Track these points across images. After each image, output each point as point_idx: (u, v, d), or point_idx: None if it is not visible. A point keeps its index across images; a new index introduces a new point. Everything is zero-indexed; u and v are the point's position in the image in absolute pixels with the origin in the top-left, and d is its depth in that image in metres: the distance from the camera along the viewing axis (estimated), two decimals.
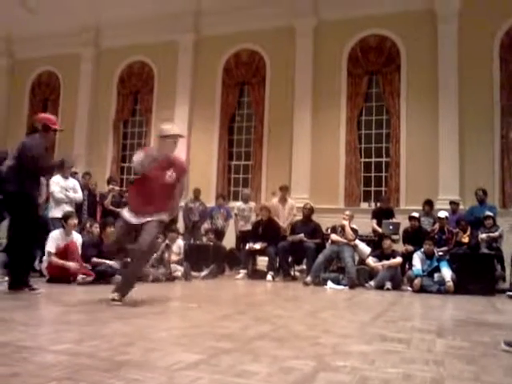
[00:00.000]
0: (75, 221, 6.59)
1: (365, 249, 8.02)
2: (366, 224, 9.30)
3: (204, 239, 9.28)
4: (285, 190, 9.56)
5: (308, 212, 8.72)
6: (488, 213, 8.39)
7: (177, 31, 12.75)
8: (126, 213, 4.55)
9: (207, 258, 8.49)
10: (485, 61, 10.35)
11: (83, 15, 12.98)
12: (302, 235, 8.31)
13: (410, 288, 7.11)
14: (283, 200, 9.46)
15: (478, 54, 10.37)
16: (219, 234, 9.58)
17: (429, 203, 9.31)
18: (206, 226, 10.17)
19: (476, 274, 7.09)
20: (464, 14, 10.49)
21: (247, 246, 8.51)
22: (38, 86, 14.83)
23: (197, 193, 10.36)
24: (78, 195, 7.72)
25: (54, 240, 6.29)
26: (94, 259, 6.47)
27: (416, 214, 8.79)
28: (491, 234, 8.08)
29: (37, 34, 13.96)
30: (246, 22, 12.09)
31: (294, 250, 8.39)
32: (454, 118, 10.31)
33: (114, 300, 4.33)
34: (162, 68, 13.17)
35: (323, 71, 11.53)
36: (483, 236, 8.08)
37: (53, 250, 6.16)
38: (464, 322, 4.31)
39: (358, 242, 8.01)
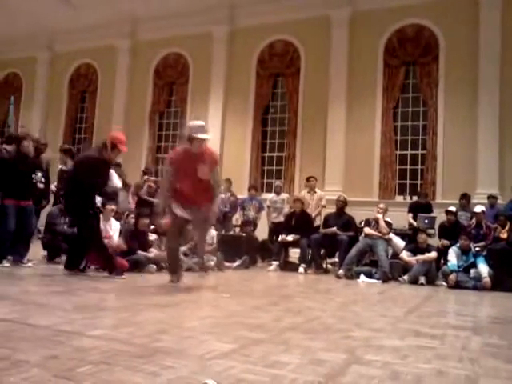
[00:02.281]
0: (113, 206, 6.74)
1: (399, 242, 7.90)
2: (400, 217, 9.17)
3: (237, 230, 9.32)
4: (312, 180, 9.52)
5: (341, 204, 8.64)
6: None
7: (212, 23, 12.79)
8: (177, 209, 4.74)
9: (240, 248, 8.53)
10: None
11: (121, 8, 13.16)
12: (334, 228, 8.26)
13: (444, 283, 6.97)
14: (312, 191, 9.43)
15: None
16: (251, 225, 9.61)
17: (466, 197, 9.09)
18: (237, 217, 10.23)
19: None
20: (508, 0, 10.14)
21: (279, 238, 8.51)
22: (76, 79, 15.17)
23: (228, 184, 10.41)
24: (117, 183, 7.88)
25: None
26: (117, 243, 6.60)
27: (453, 208, 8.59)
28: None
29: (75, 28, 14.26)
30: (280, 13, 12.03)
31: (327, 243, 8.34)
32: (494, 109, 10.01)
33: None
34: (196, 59, 13.26)
35: (359, 62, 11.37)
36: None
37: None
38: (501, 319, 4.20)
39: (392, 235, 7.90)
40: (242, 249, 8.55)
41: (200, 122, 5.05)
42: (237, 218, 10.37)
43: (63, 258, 6.69)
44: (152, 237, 7.29)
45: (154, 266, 6.64)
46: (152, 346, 2.35)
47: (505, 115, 9.94)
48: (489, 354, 2.68)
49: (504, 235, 7.93)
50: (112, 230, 6.60)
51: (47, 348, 2.18)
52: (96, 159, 5.45)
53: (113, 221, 6.70)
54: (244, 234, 9.04)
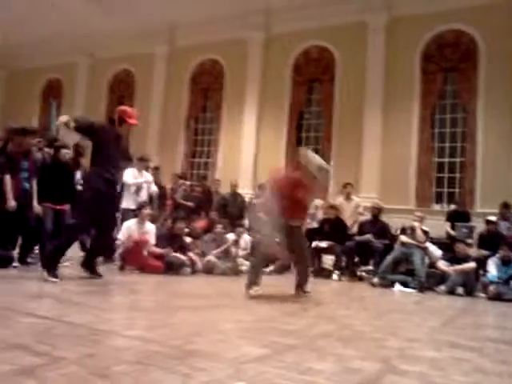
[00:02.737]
0: (149, 211, 6.85)
1: (436, 252, 7.73)
2: (437, 226, 8.96)
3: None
4: (349, 187, 9.41)
5: (376, 212, 8.53)
6: None
7: (247, 29, 12.87)
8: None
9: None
10: None
11: (159, 15, 13.40)
12: (369, 235, 8.15)
13: (483, 295, 6.78)
14: (348, 198, 9.34)
15: None
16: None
17: (506, 206, 8.82)
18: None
19: None
20: None
21: (313, 244, 8.46)
22: (115, 84, 15.53)
23: (261, 189, 10.41)
24: (154, 189, 8.03)
25: (127, 229, 6.57)
26: (167, 250, 6.68)
27: (493, 218, 8.35)
28: None
29: (115, 34, 14.60)
30: (316, 19, 12.00)
31: (361, 250, 8.25)
32: None
33: (306, 292, 5.10)
34: (232, 65, 13.36)
35: (395, 68, 11.22)
36: None
37: (125, 240, 6.44)
38: None
39: (428, 244, 7.74)
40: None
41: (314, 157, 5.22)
42: None
43: (101, 259, 6.85)
44: (187, 239, 7.37)
45: (189, 269, 6.71)
46: (186, 348, 2.37)
47: None
48: None
49: None
50: (148, 233, 6.70)
51: (84, 346, 2.23)
52: (105, 125, 5.30)
53: (148, 224, 6.80)
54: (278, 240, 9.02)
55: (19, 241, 6.05)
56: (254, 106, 12.78)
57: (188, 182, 9.94)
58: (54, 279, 4.58)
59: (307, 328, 3.25)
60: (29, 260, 6.02)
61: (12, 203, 5.68)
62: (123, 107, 5.56)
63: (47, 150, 6.68)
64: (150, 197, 8.29)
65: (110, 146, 5.04)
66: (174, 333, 2.73)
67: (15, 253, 5.90)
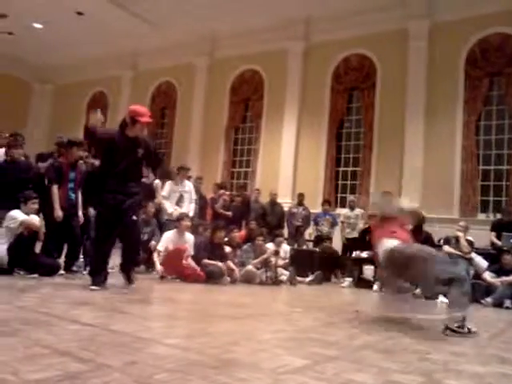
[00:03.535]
0: (188, 223, 6.93)
1: (481, 262, 7.48)
2: (483, 236, 8.68)
3: (309, 244, 9.26)
4: (388, 195, 9.25)
5: (418, 221, 8.34)
6: None
7: (287, 39, 12.93)
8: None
9: (313, 263, 8.47)
10: None
11: (200, 26, 13.64)
12: (410, 246, 7.98)
13: None
14: (386, 206, 9.16)
15: None
16: (324, 240, 9.50)
17: None
18: (310, 231, 10.17)
19: None
20: None
21: (354, 254, 8.36)
22: (157, 95, 15.87)
23: (300, 198, 10.42)
24: (194, 197, 8.14)
25: (166, 240, 6.68)
26: (206, 260, 6.74)
27: None
28: None
29: (157, 47, 14.97)
30: (356, 27, 11.94)
31: (404, 260, 8.07)
32: None
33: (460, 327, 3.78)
34: (271, 75, 13.43)
35: (438, 74, 11.00)
36: None
37: (161, 249, 6.55)
38: None
39: (473, 255, 7.51)
40: (315, 264, 8.48)
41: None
42: (310, 233, 10.30)
43: (142, 267, 7.00)
44: (226, 249, 7.42)
45: (228, 278, 6.75)
46: (225, 358, 2.38)
47: None
48: None
49: None
50: (187, 242, 6.78)
51: (127, 354, 2.28)
52: (112, 135, 5.04)
53: (187, 234, 6.89)
54: (317, 250, 8.98)
55: (65, 249, 6.25)
56: (294, 115, 12.79)
57: (228, 192, 10.02)
58: (94, 287, 4.70)
59: (348, 339, 3.21)
60: (74, 268, 6.20)
61: (59, 213, 5.88)
62: (133, 106, 5.31)
63: (92, 161, 6.88)
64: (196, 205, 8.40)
65: (120, 157, 4.89)
66: (213, 342, 2.74)
67: (61, 261, 6.10)
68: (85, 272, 6.08)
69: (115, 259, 6.04)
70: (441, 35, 11.09)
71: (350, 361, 2.57)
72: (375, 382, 2.17)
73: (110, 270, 6.18)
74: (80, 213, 6.24)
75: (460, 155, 10.63)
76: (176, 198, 7.88)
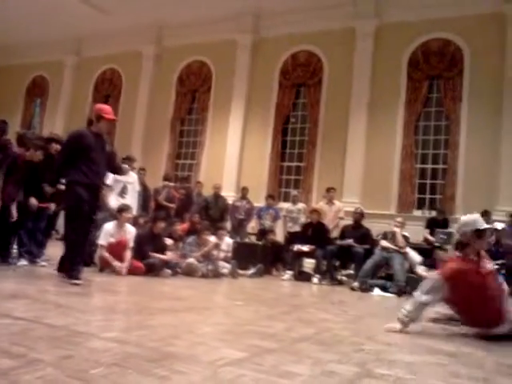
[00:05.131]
0: (129, 215, 6.78)
1: (415, 257, 7.81)
2: (418, 232, 9.08)
3: (251, 238, 9.33)
4: (332, 192, 9.51)
5: (358, 217, 8.61)
6: None
7: (236, 31, 12.91)
8: None
9: (254, 256, 8.54)
10: None
11: (148, 14, 13.35)
12: (351, 240, 8.22)
13: None
14: (330, 202, 9.43)
15: None
16: (273, 234, 9.58)
17: (486, 214, 8.95)
18: (252, 225, 10.26)
19: None
20: None
21: (295, 248, 8.50)
22: (101, 83, 15.42)
23: (244, 191, 10.49)
24: (138, 189, 7.97)
25: (106, 233, 6.47)
26: (150, 253, 6.64)
27: None
28: None
29: (103, 33, 14.52)
30: (305, 24, 12.08)
31: (342, 254, 8.31)
32: None
33: None
34: (219, 68, 13.37)
35: (382, 74, 11.33)
36: None
37: (104, 244, 6.37)
38: None
39: (408, 249, 7.82)
40: (257, 257, 8.55)
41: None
42: (252, 227, 10.39)
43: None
44: (168, 241, 7.34)
45: (169, 271, 6.69)
46: (164, 351, 2.37)
47: None
48: (504, 374, 2.64)
49: None
50: (128, 234, 6.63)
51: (62, 348, 2.22)
52: (81, 131, 5.26)
53: (128, 226, 6.73)
54: (260, 243, 9.06)
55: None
56: (241, 108, 12.80)
57: (172, 184, 9.90)
58: (77, 281, 4.68)
59: (286, 331, 3.27)
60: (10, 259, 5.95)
61: None
62: (99, 105, 5.65)
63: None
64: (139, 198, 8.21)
65: (91, 150, 5.05)
66: (152, 335, 2.72)
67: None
68: (21, 263, 5.86)
69: (52, 250, 5.85)
70: (386, 36, 11.42)
71: (288, 352, 2.62)
72: (312, 373, 2.22)
73: (43, 263, 6.01)
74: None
75: (399, 154, 11.03)
76: (120, 188, 7.69)
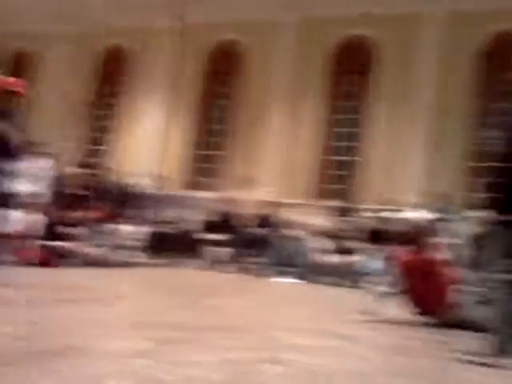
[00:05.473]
0: (38, 202, 6.48)
1: (324, 244, 8.10)
2: (328, 220, 9.40)
3: (166, 227, 9.23)
4: (246, 180, 9.61)
5: (271, 205, 8.77)
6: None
7: (165, 17, 12.55)
8: None
9: (168, 245, 8.45)
10: (463, 67, 10.55)
11: None
12: (261, 229, 8.36)
13: (368, 285, 7.20)
14: (244, 191, 9.52)
15: (455, 59, 10.56)
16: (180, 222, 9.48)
17: (390, 203, 9.45)
18: (168, 213, 10.14)
19: None
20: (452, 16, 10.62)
21: (208, 236, 8.50)
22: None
23: (160, 180, 10.25)
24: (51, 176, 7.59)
25: (13, 220, 6.11)
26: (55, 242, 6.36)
27: (378, 214, 8.94)
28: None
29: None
30: (230, 12, 11.97)
31: (253, 243, 8.45)
32: (422, 124, 10.50)
33: None
34: (141, 52, 12.91)
35: (304, 67, 11.54)
36: None
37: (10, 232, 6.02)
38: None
39: (316, 237, 8.07)
40: (172, 245, 8.48)
41: None
42: (168, 216, 10.24)
43: None
44: (78, 230, 7.08)
45: (78, 260, 6.45)
46: (65, 344, 2.27)
47: (432, 131, 10.45)
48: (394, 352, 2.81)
49: None
50: (35, 223, 6.31)
51: None
52: None
53: (36, 214, 6.40)
54: (174, 232, 9.01)
55: None
56: (160, 95, 12.51)
57: (85, 171, 9.48)
58: None
59: (194, 320, 3.26)
60: None
61: None
62: (3, 77, 5.10)
63: None
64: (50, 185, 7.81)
65: None
66: (54, 328, 2.61)
67: None
68: None
69: None
70: (309, 30, 11.61)
71: (194, 342, 2.61)
72: (214, 361, 2.23)
73: None
74: None
75: (317, 145, 11.33)
76: (31, 174, 7.26)
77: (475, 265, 7.71)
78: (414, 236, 4.29)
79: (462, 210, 9.70)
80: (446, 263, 4.33)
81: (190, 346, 2.50)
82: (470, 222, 9.11)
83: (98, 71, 13.37)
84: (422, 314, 4.10)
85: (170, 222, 9.88)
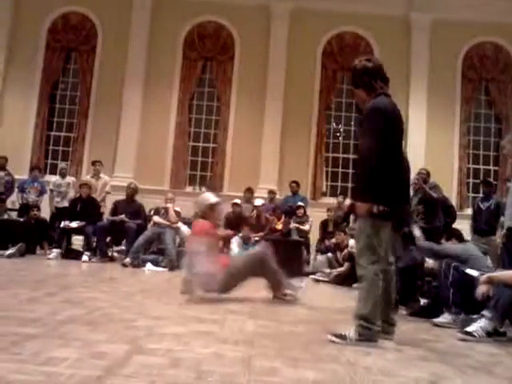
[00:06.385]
0: None
1: (186, 232, 8.11)
2: (190, 207, 9.41)
3: (12, 214, 8.40)
4: (98, 165, 9.22)
5: (131, 192, 8.48)
6: (300, 203, 9.19)
7: None
8: None
9: (14, 235, 7.70)
10: (309, 64, 11.25)
11: None
12: (123, 215, 8.07)
13: None
14: (96, 176, 9.13)
15: (304, 57, 11.21)
16: (30, 209, 8.72)
17: (249, 191, 9.81)
18: (13, 199, 9.24)
19: (287, 259, 7.70)
20: (296, 15, 11.24)
21: (62, 224, 7.96)
22: None
23: (2, 162, 9.27)
24: None
25: None
26: None
27: (238, 201, 9.20)
28: (301, 227, 8.82)
29: None
30: None
31: (114, 230, 8.12)
32: (278, 114, 11.02)
33: None
34: None
35: (159, 50, 11.30)
36: (294, 225, 8.80)
37: None
38: (273, 303, 4.61)
39: (180, 224, 8.07)
40: (18, 235, 7.73)
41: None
42: (13, 201, 9.33)
43: None
44: None
45: None
46: None
47: (287, 118, 11.02)
48: (262, 336, 2.93)
49: (279, 227, 8.81)
50: None
51: None
52: None
53: None
54: (21, 220, 8.21)
55: None
56: None
57: None
58: None
59: (51, 314, 3.03)
60: None
61: None
62: None
63: None
64: None
65: None
66: None
67: None
68: None
69: None
70: (165, 11, 11.35)
71: (53, 337, 2.43)
72: (79, 356, 2.11)
73: None
74: None
75: (173, 131, 11.23)
76: None
77: (323, 248, 8.43)
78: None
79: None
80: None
81: (49, 341, 2.33)
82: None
83: None
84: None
85: (17, 209, 9.02)
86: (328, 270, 7.54)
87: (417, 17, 11.13)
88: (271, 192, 9.88)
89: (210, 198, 4.83)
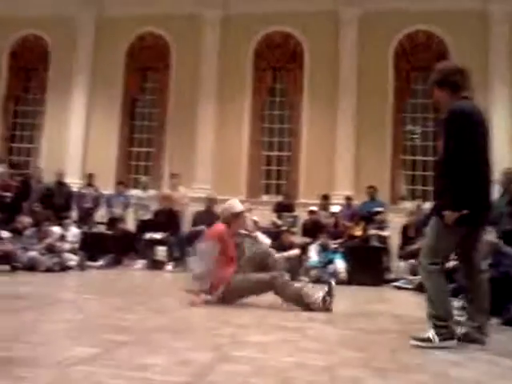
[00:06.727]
0: None
1: (264, 240, 8.17)
2: (267, 216, 9.49)
3: (100, 227, 8.90)
4: (175, 178, 9.52)
5: (210, 202, 8.70)
6: (378, 208, 8.96)
7: (77, 4, 12.07)
8: None
9: (104, 246, 8.16)
10: (381, 66, 11.00)
11: None
12: (203, 226, 8.28)
13: (306, 278, 7.37)
14: (174, 188, 9.42)
15: (375, 59, 10.98)
16: (116, 222, 9.21)
17: (325, 198, 9.72)
18: (101, 213, 9.80)
19: (366, 266, 7.54)
20: (364, 19, 11.06)
21: (147, 236, 8.31)
22: None
23: (90, 178, 9.92)
24: None
25: None
26: None
27: (315, 208, 9.15)
28: (380, 233, 8.59)
29: None
30: (153, 6, 11.74)
31: (196, 240, 8.34)
32: (352, 119, 10.84)
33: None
34: (59, 45, 12.33)
35: (230, 63, 11.53)
36: (373, 231, 8.58)
37: None
38: (354, 311, 4.54)
39: (257, 233, 8.15)
40: (107, 247, 8.18)
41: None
42: (101, 215, 9.90)
43: None
44: (4, 234, 6.67)
45: (7, 267, 6.09)
46: (1, 356, 2.13)
47: (361, 122, 10.81)
48: (344, 344, 2.88)
49: (358, 233, 8.63)
50: None
51: None
52: None
53: None
54: (110, 232, 8.68)
55: None
56: (84, 89, 12.02)
57: (6, 170, 8.96)
58: None
59: (140, 322, 3.17)
60: None
61: None
62: None
63: None
64: None
65: None
66: None
67: None
68: None
69: None
70: (233, 25, 11.60)
71: (142, 344, 2.54)
72: (168, 363, 2.18)
73: None
74: None
75: (247, 141, 11.39)
76: None
77: (405, 254, 8.15)
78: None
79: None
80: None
81: (139, 349, 2.43)
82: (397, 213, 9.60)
83: (13, 62, 12.60)
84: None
85: (105, 223, 9.55)
86: (411, 277, 7.28)
87: (494, 8, 10.57)
88: (348, 198, 9.73)
89: (237, 206, 4.83)
